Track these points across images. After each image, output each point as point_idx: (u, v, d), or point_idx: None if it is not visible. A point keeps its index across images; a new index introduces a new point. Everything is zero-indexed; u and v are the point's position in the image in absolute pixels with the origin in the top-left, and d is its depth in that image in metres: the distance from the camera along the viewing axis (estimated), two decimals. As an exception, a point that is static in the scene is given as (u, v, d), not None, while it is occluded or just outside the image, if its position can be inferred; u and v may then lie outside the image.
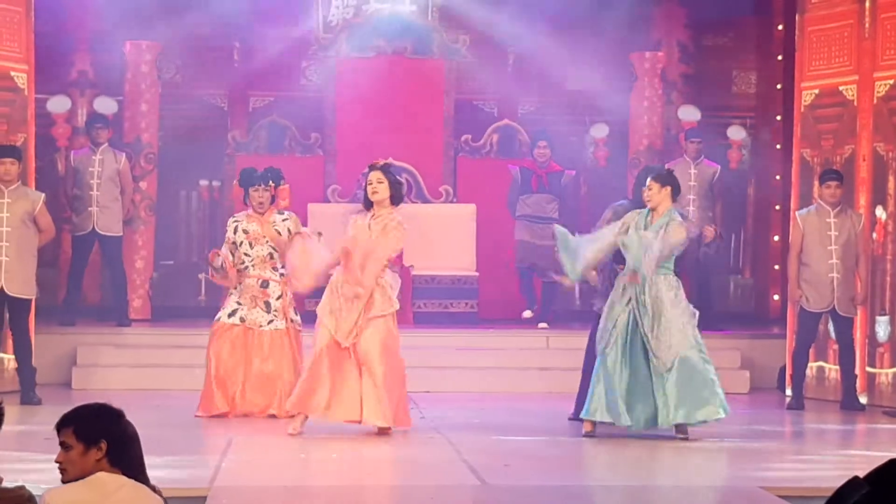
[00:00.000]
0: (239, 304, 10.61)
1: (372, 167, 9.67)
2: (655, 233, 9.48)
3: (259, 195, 10.63)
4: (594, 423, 9.59)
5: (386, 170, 9.64)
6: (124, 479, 4.37)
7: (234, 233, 10.65)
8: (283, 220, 10.66)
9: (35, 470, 7.49)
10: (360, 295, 9.46)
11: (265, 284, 10.61)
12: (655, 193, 9.59)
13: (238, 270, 10.65)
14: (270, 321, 10.59)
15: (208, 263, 10.86)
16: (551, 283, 13.56)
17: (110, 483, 4.33)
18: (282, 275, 10.61)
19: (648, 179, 9.68)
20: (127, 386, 11.81)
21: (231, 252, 10.64)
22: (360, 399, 9.47)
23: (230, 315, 10.61)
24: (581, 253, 9.65)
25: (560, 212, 13.48)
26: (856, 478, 4.01)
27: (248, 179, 10.71)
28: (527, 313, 13.42)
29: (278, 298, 10.61)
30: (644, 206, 9.68)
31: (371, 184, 9.58)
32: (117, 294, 13.29)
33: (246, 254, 10.61)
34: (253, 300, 10.60)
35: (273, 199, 10.70)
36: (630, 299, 9.51)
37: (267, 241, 10.58)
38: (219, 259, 10.62)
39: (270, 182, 10.66)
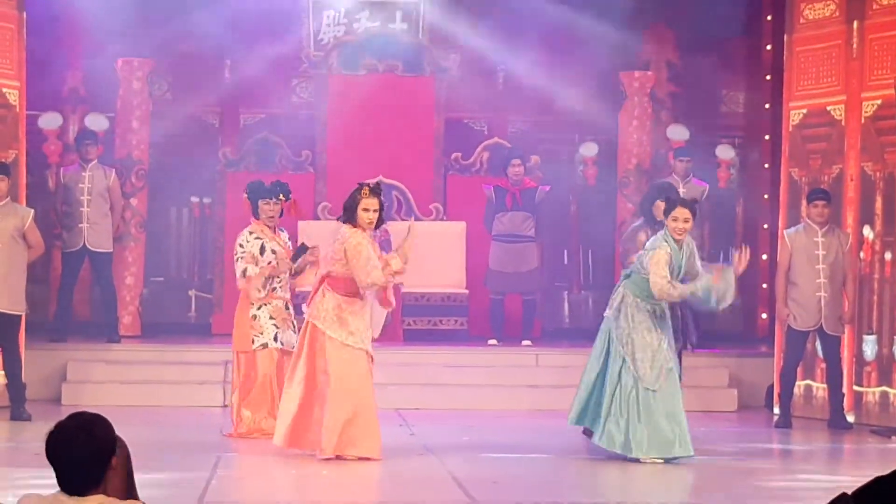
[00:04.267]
0: (276, 326, 10.35)
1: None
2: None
3: (271, 208, 10.40)
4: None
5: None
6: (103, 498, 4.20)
7: (261, 252, 10.35)
8: (289, 239, 10.56)
9: (25, 486, 7.50)
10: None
11: (287, 307, 10.47)
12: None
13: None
14: None
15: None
16: (531, 301, 13.62)
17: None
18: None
19: (685, 210, 9.44)
20: (117, 402, 11.80)
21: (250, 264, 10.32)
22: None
23: (276, 339, 10.31)
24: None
25: (536, 229, 13.51)
26: (843, 494, 4.06)
27: (258, 191, 10.50)
28: (492, 341, 13.41)
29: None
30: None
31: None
32: (107, 310, 13.28)
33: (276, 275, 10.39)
34: (284, 322, 10.38)
35: (282, 213, 10.53)
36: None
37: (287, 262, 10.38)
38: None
39: (280, 195, 10.46)
